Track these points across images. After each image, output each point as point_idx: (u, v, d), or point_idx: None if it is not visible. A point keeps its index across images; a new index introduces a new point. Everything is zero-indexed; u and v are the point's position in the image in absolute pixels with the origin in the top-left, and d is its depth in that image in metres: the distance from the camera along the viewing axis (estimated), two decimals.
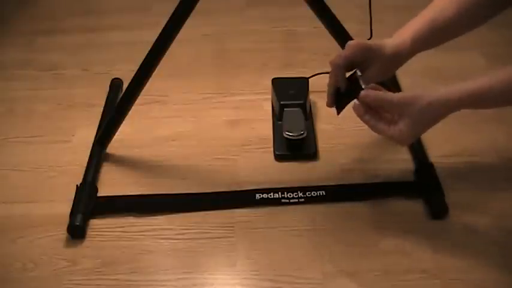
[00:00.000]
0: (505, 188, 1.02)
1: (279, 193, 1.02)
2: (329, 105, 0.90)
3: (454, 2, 0.88)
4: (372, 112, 0.86)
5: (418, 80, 1.22)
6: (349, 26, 1.13)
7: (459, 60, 1.30)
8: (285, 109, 1.14)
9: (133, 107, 1.08)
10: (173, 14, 1.00)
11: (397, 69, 0.92)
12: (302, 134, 1.08)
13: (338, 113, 0.90)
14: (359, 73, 0.86)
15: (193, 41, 1.43)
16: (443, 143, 1.10)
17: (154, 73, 1.05)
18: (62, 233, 0.97)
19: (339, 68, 0.87)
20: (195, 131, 1.18)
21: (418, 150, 1.08)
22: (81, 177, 1.05)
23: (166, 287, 0.89)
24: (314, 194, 1.01)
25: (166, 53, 1.03)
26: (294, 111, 1.13)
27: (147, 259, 0.93)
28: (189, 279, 0.90)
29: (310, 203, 1.00)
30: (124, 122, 1.09)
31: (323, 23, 1.11)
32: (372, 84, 0.87)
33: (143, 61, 1.04)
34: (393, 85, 1.22)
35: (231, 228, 0.97)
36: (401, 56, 0.88)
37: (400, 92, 0.86)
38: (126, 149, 1.14)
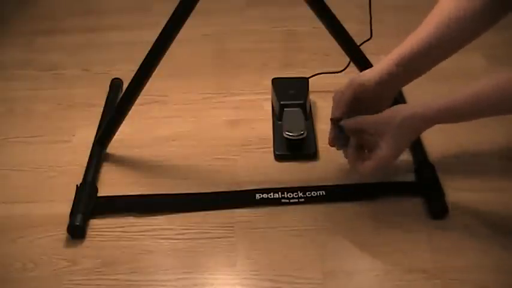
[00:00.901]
0: (505, 188, 1.01)
1: (279, 193, 1.01)
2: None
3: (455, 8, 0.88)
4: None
5: (418, 80, 1.22)
6: (349, 26, 1.13)
7: (460, 61, 1.29)
8: (285, 109, 1.14)
9: (133, 107, 1.08)
10: (173, 14, 0.99)
11: (398, 89, 0.96)
12: (302, 134, 1.08)
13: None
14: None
15: (193, 41, 1.43)
16: (443, 143, 1.10)
17: (154, 73, 1.04)
18: (62, 233, 0.97)
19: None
20: (195, 131, 1.18)
21: (418, 150, 1.08)
22: (81, 177, 1.05)
23: (166, 287, 0.89)
24: (314, 194, 1.01)
25: (166, 53, 1.03)
26: (294, 111, 1.13)
27: (147, 259, 0.93)
28: (189, 279, 0.90)
29: (310, 203, 1.00)
30: (124, 122, 1.09)
31: (323, 23, 1.11)
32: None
33: (143, 61, 1.04)
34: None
35: (231, 228, 0.97)
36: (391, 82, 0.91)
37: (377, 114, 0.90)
38: (126, 149, 1.14)
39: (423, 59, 0.89)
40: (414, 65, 0.90)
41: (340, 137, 0.95)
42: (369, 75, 0.92)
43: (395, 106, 0.90)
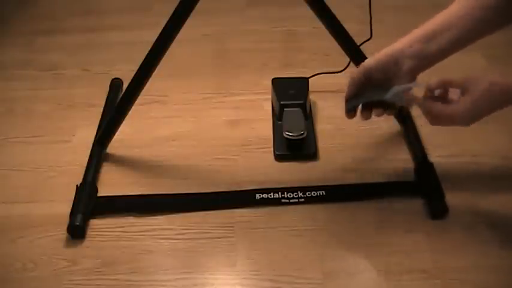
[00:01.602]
0: (505, 188, 1.02)
1: (279, 193, 1.02)
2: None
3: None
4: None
5: (418, 80, 1.22)
6: (349, 26, 1.13)
7: (460, 61, 1.28)
8: (285, 109, 1.14)
9: (133, 107, 1.08)
10: (173, 14, 0.99)
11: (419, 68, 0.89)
12: (302, 134, 1.08)
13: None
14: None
15: (193, 41, 1.43)
16: (443, 143, 1.11)
17: (154, 73, 1.05)
18: (62, 233, 0.97)
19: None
20: (195, 131, 1.18)
21: (418, 150, 1.08)
22: (81, 177, 1.05)
23: (166, 287, 0.89)
24: (314, 194, 1.01)
25: (166, 53, 1.03)
26: (294, 111, 1.13)
27: (147, 259, 0.93)
28: (189, 279, 0.90)
29: (310, 203, 1.00)
30: (124, 122, 1.09)
31: (323, 23, 1.11)
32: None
33: (143, 61, 1.04)
34: None
35: (231, 228, 0.97)
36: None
37: None
38: (126, 149, 1.14)
39: (443, 40, 0.86)
40: (433, 46, 0.86)
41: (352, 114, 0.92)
42: (374, 58, 0.88)
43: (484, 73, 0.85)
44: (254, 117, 1.21)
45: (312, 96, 1.20)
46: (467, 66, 1.28)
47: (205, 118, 1.22)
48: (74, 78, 1.36)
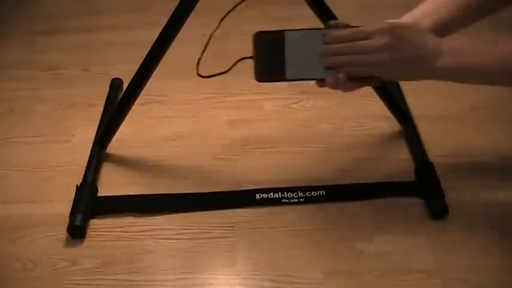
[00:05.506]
0: (505, 188, 1.01)
1: (279, 193, 1.02)
2: None
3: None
4: None
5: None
6: None
7: None
8: None
9: (133, 107, 1.08)
10: (173, 14, 0.99)
11: None
12: None
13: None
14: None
15: (193, 41, 1.43)
16: (443, 143, 1.10)
17: (154, 73, 1.04)
18: (62, 233, 0.97)
19: None
20: (195, 131, 1.18)
21: (418, 150, 1.08)
22: (81, 177, 1.05)
23: (167, 287, 0.89)
24: (314, 194, 1.01)
25: (166, 53, 1.03)
26: None
27: (147, 259, 0.93)
28: (189, 279, 0.90)
29: (310, 203, 1.00)
30: (124, 122, 1.09)
31: (323, 23, 1.11)
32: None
33: (143, 61, 1.03)
34: (395, 88, 1.22)
35: (231, 228, 0.97)
36: None
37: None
38: (126, 149, 1.14)
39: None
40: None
41: None
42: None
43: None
44: (254, 117, 1.21)
45: (312, 96, 1.20)
46: None
47: (205, 118, 1.22)
48: (74, 78, 1.36)
